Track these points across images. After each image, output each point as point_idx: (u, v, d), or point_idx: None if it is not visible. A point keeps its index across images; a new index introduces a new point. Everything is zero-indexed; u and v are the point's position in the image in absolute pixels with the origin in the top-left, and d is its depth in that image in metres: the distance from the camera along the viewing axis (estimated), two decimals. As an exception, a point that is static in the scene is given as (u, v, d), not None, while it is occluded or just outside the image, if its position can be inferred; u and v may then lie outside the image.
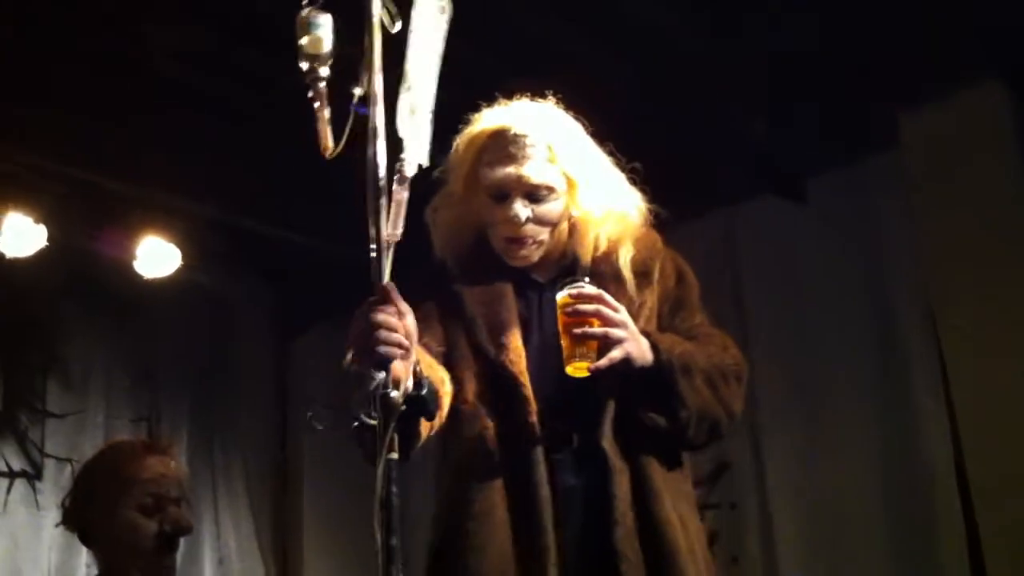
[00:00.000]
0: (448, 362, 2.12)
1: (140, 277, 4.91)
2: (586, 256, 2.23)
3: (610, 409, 2.06)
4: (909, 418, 4.27)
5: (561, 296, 2.05)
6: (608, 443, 2.03)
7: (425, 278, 2.26)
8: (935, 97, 3.96)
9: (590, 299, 2.02)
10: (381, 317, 1.64)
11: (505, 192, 2.17)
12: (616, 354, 2.00)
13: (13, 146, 4.39)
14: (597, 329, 2.00)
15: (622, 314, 2.03)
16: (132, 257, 4.84)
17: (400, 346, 1.64)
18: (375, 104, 1.67)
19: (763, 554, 4.63)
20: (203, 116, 4.17)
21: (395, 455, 1.55)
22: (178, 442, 5.29)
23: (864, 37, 3.79)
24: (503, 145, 2.18)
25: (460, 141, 2.26)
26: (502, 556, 1.97)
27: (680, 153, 4.21)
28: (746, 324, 4.67)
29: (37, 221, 4.54)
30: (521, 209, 2.15)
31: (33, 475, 4.96)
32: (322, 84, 1.70)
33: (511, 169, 2.15)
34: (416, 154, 1.74)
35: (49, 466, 5.01)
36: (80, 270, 4.91)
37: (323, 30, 1.70)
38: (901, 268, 4.35)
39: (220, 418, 5.68)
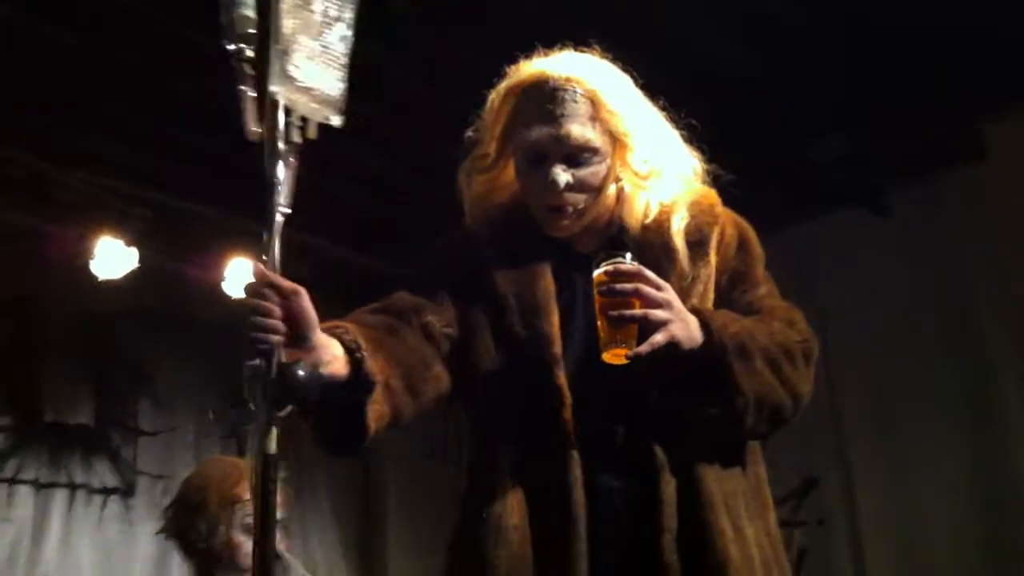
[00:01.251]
0: (465, 348, 1.91)
1: (227, 297, 5.00)
2: (635, 224, 1.98)
3: (655, 400, 1.84)
4: (1001, 435, 4.18)
5: (597, 273, 1.79)
6: (654, 439, 1.82)
7: (447, 250, 2.07)
8: (1021, 108, 3.89)
9: (628, 276, 1.76)
10: (252, 302, 1.52)
11: (542, 154, 1.91)
12: (659, 338, 1.72)
13: (106, 173, 4.53)
14: (636, 311, 1.73)
15: (666, 292, 1.77)
16: (220, 278, 4.94)
17: (276, 331, 1.52)
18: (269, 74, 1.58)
19: (853, 572, 4.56)
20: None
21: (273, 450, 1.45)
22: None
23: (949, 49, 3.74)
24: (540, 101, 1.91)
25: (494, 96, 2.00)
26: (515, 563, 1.77)
27: (762, 165, 4.19)
28: (827, 338, 4.61)
29: (128, 244, 4.67)
30: (560, 174, 1.89)
31: (126, 492, 5.10)
32: (246, 65, 1.59)
33: (549, 128, 1.89)
34: (314, 113, 1.63)
35: (142, 483, 5.15)
36: (169, 291, 5.02)
37: (248, 7, 1.58)
38: (988, 282, 4.27)
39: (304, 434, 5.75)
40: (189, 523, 2.76)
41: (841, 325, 4.64)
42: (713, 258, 1.96)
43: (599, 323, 1.78)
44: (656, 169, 1.96)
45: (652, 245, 1.94)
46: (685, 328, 1.76)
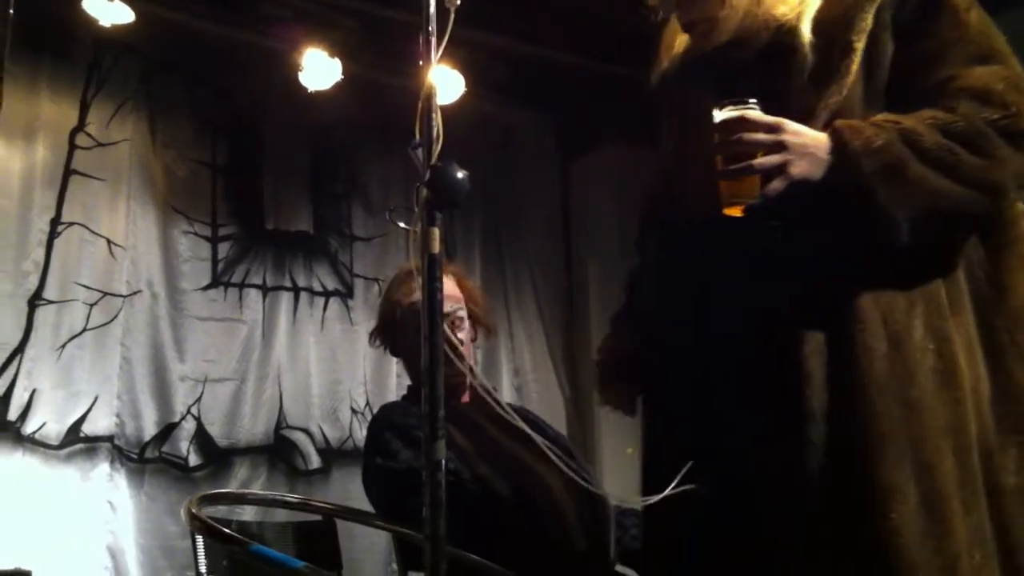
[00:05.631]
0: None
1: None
2: (786, 15, 1.73)
3: (796, 243, 1.67)
4: None
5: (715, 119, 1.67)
6: (801, 271, 1.67)
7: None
8: None
9: (732, 126, 1.61)
10: None
11: None
12: (776, 185, 1.59)
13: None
14: (741, 164, 1.60)
15: (779, 133, 1.60)
16: (420, 86, 5.01)
17: None
18: None
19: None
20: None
21: (436, 250, 1.53)
22: (471, 262, 5.61)
23: None
24: None
25: None
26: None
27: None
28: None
29: (331, 55, 4.77)
30: None
31: (345, 294, 5.39)
32: None
33: None
34: None
35: (358, 285, 5.42)
36: (374, 101, 5.14)
37: None
38: None
39: (508, 239, 5.91)
40: (385, 331, 2.92)
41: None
42: (868, 47, 1.69)
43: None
44: None
45: (782, 50, 1.72)
46: (809, 162, 1.60)
